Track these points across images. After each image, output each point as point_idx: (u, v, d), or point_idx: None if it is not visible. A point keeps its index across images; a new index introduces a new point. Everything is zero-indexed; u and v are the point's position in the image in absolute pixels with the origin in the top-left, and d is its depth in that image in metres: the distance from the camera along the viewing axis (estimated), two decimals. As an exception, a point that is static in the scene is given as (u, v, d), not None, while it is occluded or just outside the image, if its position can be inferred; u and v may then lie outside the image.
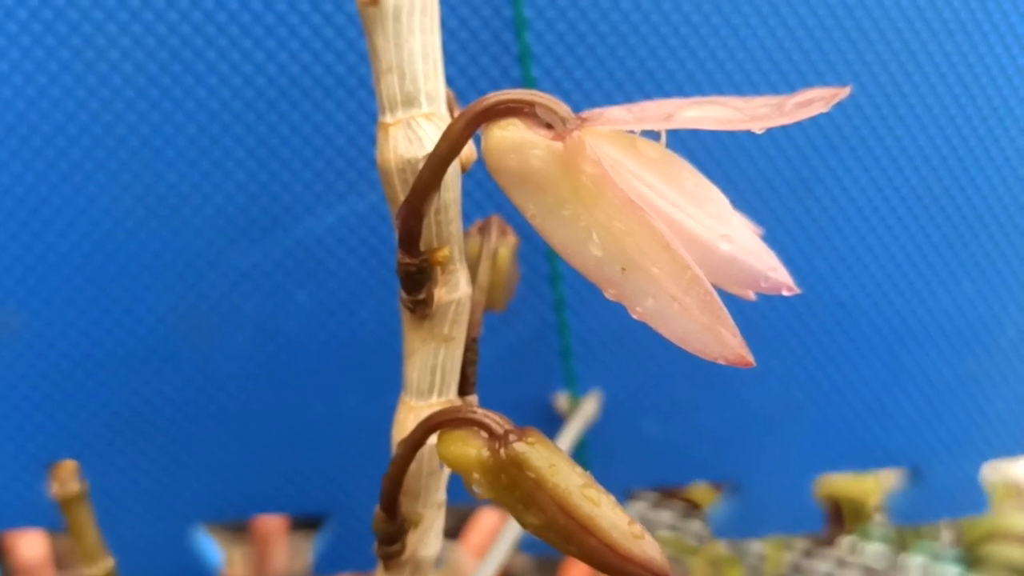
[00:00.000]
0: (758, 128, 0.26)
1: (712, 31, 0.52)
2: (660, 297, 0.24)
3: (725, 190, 0.57)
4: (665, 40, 0.52)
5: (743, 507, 0.66)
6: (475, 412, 0.26)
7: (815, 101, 0.26)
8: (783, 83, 0.55)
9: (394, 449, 0.28)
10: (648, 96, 0.52)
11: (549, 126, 0.26)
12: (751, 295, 0.27)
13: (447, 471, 0.30)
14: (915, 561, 1.01)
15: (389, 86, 0.28)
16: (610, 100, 0.53)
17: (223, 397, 0.56)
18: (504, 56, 0.51)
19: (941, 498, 0.68)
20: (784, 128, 0.56)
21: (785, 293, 0.26)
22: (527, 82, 0.51)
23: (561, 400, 0.59)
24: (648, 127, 0.26)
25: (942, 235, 0.60)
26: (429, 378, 0.29)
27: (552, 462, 0.25)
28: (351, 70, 0.50)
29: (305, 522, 0.83)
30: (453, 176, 0.29)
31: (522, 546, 0.66)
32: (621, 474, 0.63)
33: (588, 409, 0.58)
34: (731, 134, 0.55)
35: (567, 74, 0.52)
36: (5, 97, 0.48)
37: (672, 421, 0.62)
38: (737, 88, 0.53)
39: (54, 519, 0.54)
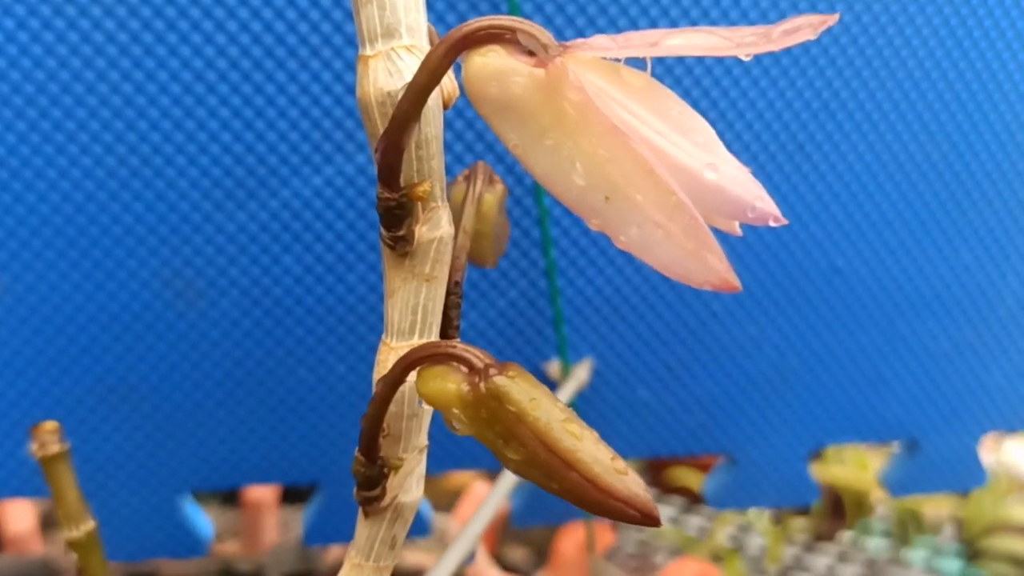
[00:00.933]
0: (744, 54, 0.25)
1: (705, -11, 0.51)
2: (644, 225, 0.24)
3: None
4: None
5: (738, 479, 0.65)
6: (455, 346, 0.25)
7: (802, 28, 0.25)
8: (782, 53, 0.54)
9: (374, 389, 0.28)
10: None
11: (531, 53, 0.25)
12: (737, 228, 0.26)
13: (429, 414, 0.30)
14: (917, 555, 1.00)
15: (369, 18, 0.27)
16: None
17: (209, 364, 0.55)
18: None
19: (940, 470, 0.67)
20: (778, 87, 0.55)
21: (772, 224, 0.25)
22: (513, 12, 0.50)
23: (553, 367, 0.58)
24: (632, 54, 0.25)
25: (940, 202, 0.59)
26: (410, 318, 0.29)
27: (533, 396, 0.25)
28: (337, 28, 0.50)
29: (296, 494, 0.82)
30: (435, 110, 0.28)
31: (513, 523, 0.65)
32: (614, 443, 0.62)
33: (579, 376, 0.57)
34: (726, 94, 0.55)
35: (557, 8, 0.51)
36: (-14, 55, 0.47)
37: (666, 389, 0.61)
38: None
39: (40, 486, 0.53)
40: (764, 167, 0.56)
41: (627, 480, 0.24)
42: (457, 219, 0.32)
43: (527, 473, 0.25)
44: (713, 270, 0.23)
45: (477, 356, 0.25)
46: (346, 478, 0.62)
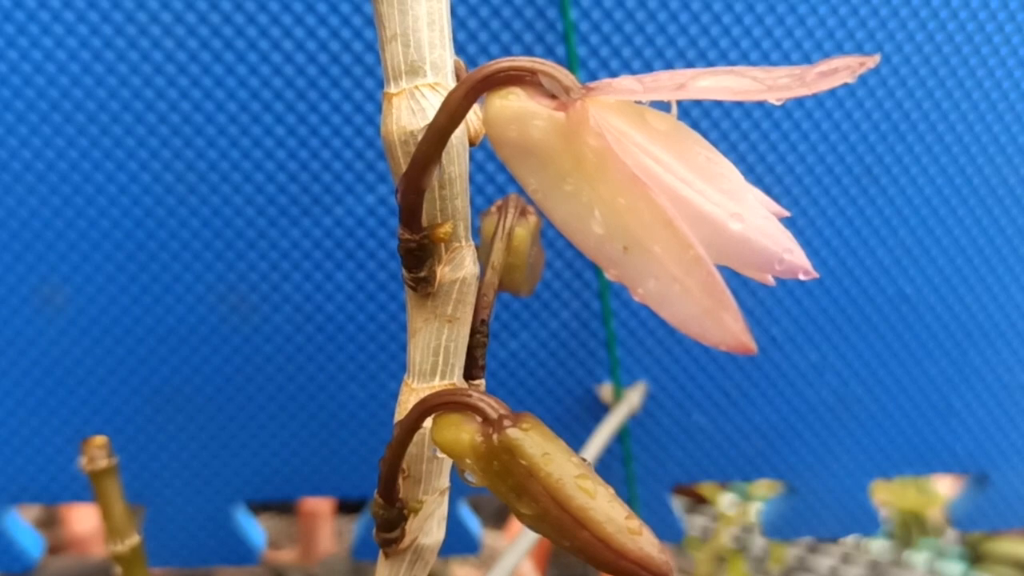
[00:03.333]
0: (775, 99, 0.24)
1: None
2: (662, 278, 0.23)
3: (785, 179, 0.55)
4: (718, 16, 0.50)
5: (797, 508, 0.63)
6: (470, 395, 0.25)
7: (840, 71, 0.24)
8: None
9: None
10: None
11: (553, 96, 0.24)
12: (769, 279, 0.25)
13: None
14: (919, 557, 0.98)
15: (393, 55, 0.27)
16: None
17: (262, 377, 0.56)
18: (548, 33, 0.50)
19: (1012, 505, 0.64)
20: (847, 114, 0.53)
21: (802, 277, 0.24)
22: (571, 59, 0.50)
23: (605, 390, 0.57)
24: (658, 97, 0.24)
25: (1018, 228, 0.57)
26: (432, 359, 0.28)
27: (546, 450, 0.24)
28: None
29: (353, 504, 0.83)
30: (459, 149, 0.27)
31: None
32: (668, 468, 0.61)
33: (632, 400, 0.56)
34: (794, 123, 0.53)
35: (613, 51, 0.50)
36: (50, 74, 0.48)
37: (722, 415, 0.60)
38: (788, 61, 0.51)
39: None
40: (829, 190, 0.54)
41: (640, 540, 0.23)
42: (487, 254, 0.32)
43: (539, 529, 0.24)
44: (729, 330, 0.22)
45: (492, 406, 0.25)
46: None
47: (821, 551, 1.00)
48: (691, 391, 0.59)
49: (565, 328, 0.56)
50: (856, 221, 0.55)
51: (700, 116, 0.52)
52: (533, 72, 0.24)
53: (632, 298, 0.50)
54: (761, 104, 0.53)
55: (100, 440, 0.42)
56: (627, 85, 0.25)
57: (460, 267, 0.28)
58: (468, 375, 0.30)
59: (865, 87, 0.52)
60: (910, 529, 1.00)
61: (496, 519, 0.82)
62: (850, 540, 1.02)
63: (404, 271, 0.27)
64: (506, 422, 0.24)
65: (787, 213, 0.28)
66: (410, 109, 0.26)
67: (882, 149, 0.54)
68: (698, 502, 1.06)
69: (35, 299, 0.53)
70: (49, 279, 0.53)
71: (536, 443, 0.24)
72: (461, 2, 0.49)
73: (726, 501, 1.05)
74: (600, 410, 0.57)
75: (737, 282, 0.56)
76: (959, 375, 0.60)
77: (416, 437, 0.28)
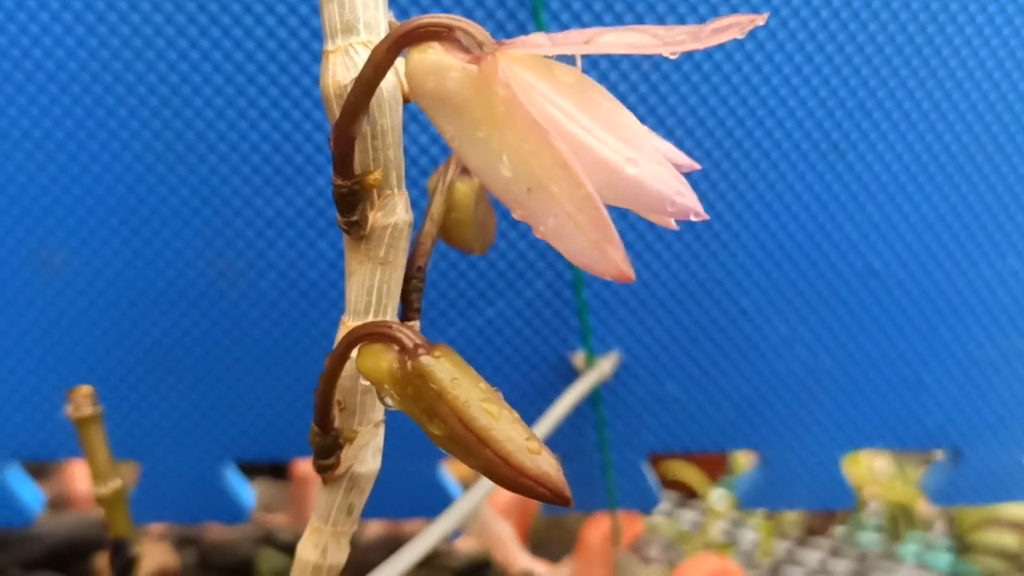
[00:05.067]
0: (670, 52, 0.26)
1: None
2: (559, 215, 0.25)
3: (753, 154, 0.57)
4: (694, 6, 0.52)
5: (770, 479, 0.65)
6: (390, 326, 0.27)
7: (730, 27, 0.26)
8: (811, 42, 0.54)
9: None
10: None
11: (469, 51, 0.26)
12: (669, 222, 0.27)
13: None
14: (908, 549, 0.99)
15: (330, 14, 0.29)
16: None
17: (249, 341, 0.58)
18: (519, 9, 0.52)
19: (985, 482, 0.66)
20: (813, 90, 0.55)
21: (692, 218, 0.25)
22: (536, 11, 0.51)
23: (579, 358, 0.59)
24: (564, 51, 0.26)
25: (985, 204, 0.58)
26: (365, 299, 0.30)
27: (455, 375, 0.26)
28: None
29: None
30: (391, 103, 0.29)
31: (543, 511, 0.66)
32: (643, 437, 0.63)
33: (603, 368, 0.58)
34: (760, 99, 0.55)
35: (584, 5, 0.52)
36: (46, 47, 0.51)
37: (695, 385, 0.61)
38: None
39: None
40: (796, 166, 0.56)
41: (539, 460, 0.25)
42: (429, 207, 0.34)
43: (449, 448, 0.26)
44: (612, 261, 0.24)
45: (408, 336, 0.27)
46: (385, 456, 0.65)
47: (810, 544, 1.01)
48: (664, 361, 0.61)
49: (540, 297, 0.58)
50: (823, 196, 0.57)
51: (668, 91, 0.54)
52: (450, 28, 0.26)
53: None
54: (728, 79, 0.54)
55: (85, 389, 0.45)
56: (537, 40, 0.27)
57: (392, 213, 0.30)
58: (404, 317, 0.32)
59: (831, 64, 0.54)
60: (898, 522, 1.02)
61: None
62: (839, 533, 1.03)
63: (338, 215, 0.29)
64: (420, 350, 0.26)
65: (695, 165, 0.30)
66: (344, 65, 0.29)
67: (848, 125, 0.55)
68: (688, 496, 1.08)
69: (33, 261, 0.56)
70: (47, 243, 0.55)
71: (446, 369, 0.26)
72: (436, -21, 0.51)
73: (716, 495, 1.07)
74: (574, 377, 0.59)
75: (707, 255, 0.58)
76: (929, 350, 0.61)
77: (350, 371, 0.30)
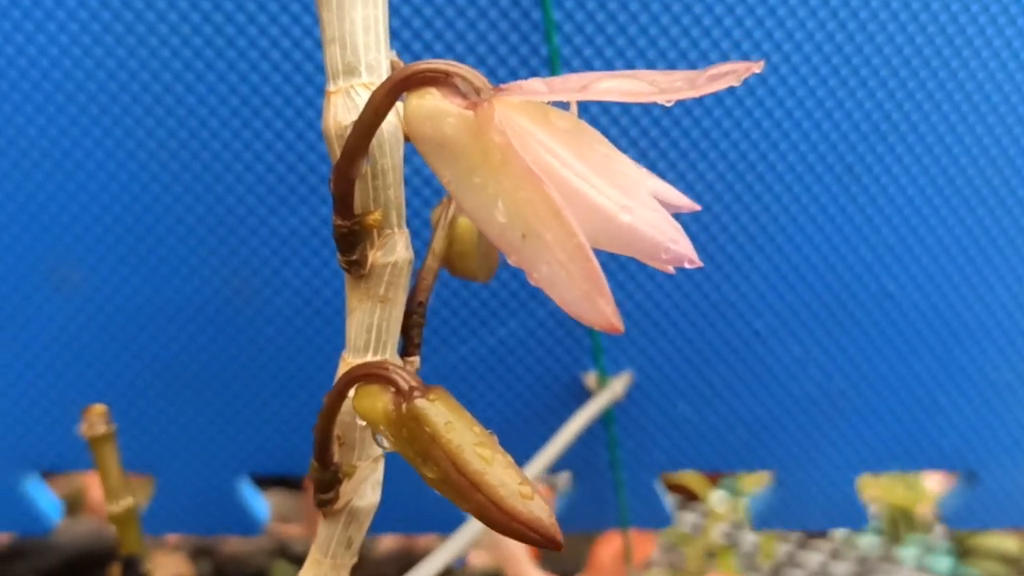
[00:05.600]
0: (665, 100, 0.26)
1: None
2: (552, 264, 0.25)
3: (767, 177, 0.56)
4: (689, 7, 0.52)
5: (784, 499, 0.65)
6: (387, 368, 0.27)
7: (727, 74, 0.26)
8: (825, 65, 0.53)
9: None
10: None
11: (466, 96, 0.26)
12: (667, 267, 0.27)
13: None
14: (908, 553, 0.98)
15: (332, 56, 0.29)
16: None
17: (264, 357, 0.59)
18: (533, 34, 0.52)
19: (1002, 504, 0.65)
20: (828, 113, 0.54)
21: (687, 265, 0.25)
22: (552, 58, 0.52)
23: (591, 379, 0.59)
24: (560, 98, 0.26)
25: (1001, 226, 0.57)
26: (365, 336, 0.31)
27: (449, 419, 0.26)
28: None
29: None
30: (392, 143, 0.30)
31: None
32: (655, 456, 0.63)
33: (615, 388, 0.58)
34: (775, 122, 0.55)
35: (596, 52, 0.52)
36: (65, 68, 0.52)
37: (708, 405, 0.61)
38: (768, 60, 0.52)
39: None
40: (810, 188, 0.56)
41: (531, 504, 0.26)
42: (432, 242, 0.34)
43: (442, 491, 0.27)
44: (601, 313, 0.24)
45: (404, 379, 0.27)
46: (391, 470, 0.65)
47: (810, 547, 1.01)
48: (676, 381, 0.60)
49: (552, 317, 0.58)
50: (838, 219, 0.56)
51: (681, 114, 0.54)
52: (448, 74, 0.26)
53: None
54: (741, 102, 0.54)
55: (99, 408, 0.46)
56: (534, 87, 0.27)
57: (392, 252, 0.30)
58: (404, 352, 0.33)
59: (845, 87, 0.54)
60: (899, 525, 1.01)
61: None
62: (839, 535, 1.02)
63: (338, 254, 0.30)
64: (416, 393, 0.26)
65: (695, 206, 0.30)
66: (345, 106, 0.29)
67: (863, 148, 0.55)
68: (689, 499, 1.07)
69: (53, 279, 0.56)
70: (65, 261, 0.56)
71: (440, 413, 0.26)
72: (449, 2, 0.51)
73: (716, 498, 1.06)
74: (586, 397, 0.59)
75: (721, 277, 0.58)
76: (944, 372, 0.61)
77: (349, 407, 0.30)
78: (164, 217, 0.55)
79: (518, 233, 0.26)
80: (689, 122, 0.54)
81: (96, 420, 0.46)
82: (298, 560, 0.71)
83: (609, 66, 0.52)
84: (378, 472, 0.32)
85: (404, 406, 0.26)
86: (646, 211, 0.26)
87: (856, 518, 0.65)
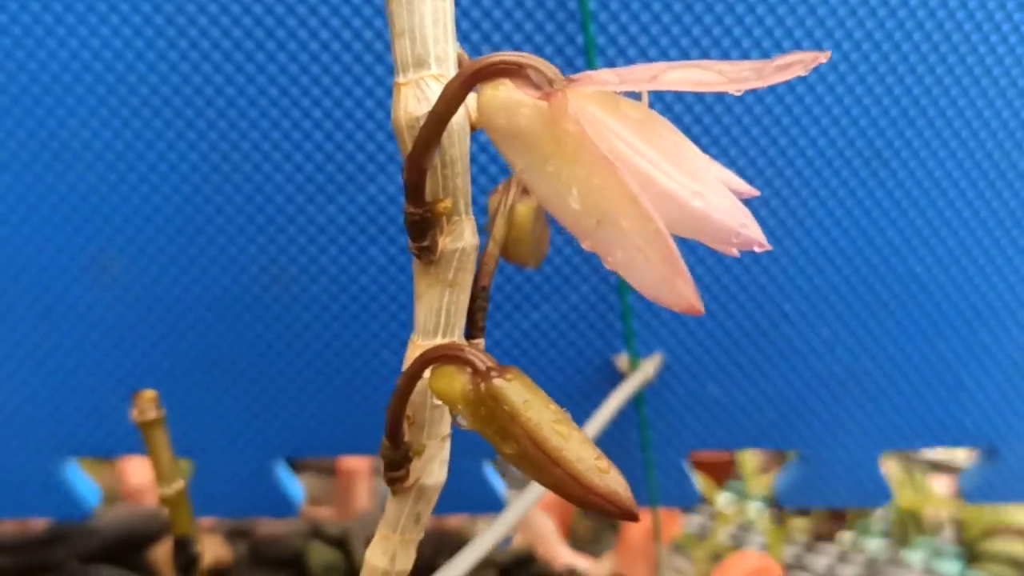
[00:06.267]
0: (735, 90, 0.27)
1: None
2: (628, 249, 0.26)
3: (797, 162, 0.57)
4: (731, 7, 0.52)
5: (809, 477, 0.66)
6: (463, 349, 0.28)
7: (794, 64, 0.27)
8: (856, 51, 0.54)
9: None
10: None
11: (539, 87, 0.27)
12: (732, 251, 0.28)
13: (452, 406, 0.33)
14: (916, 556, 0.99)
15: (402, 49, 0.30)
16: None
17: (301, 344, 0.60)
18: (569, 23, 0.53)
19: (1021, 478, 0.66)
20: (855, 96, 0.55)
21: (757, 249, 0.26)
22: (588, 47, 0.52)
23: (622, 360, 0.61)
24: (631, 88, 0.27)
25: (1025, 209, 0.58)
26: (435, 320, 0.31)
27: (526, 398, 0.27)
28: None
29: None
30: (459, 134, 0.31)
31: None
32: (684, 437, 0.64)
33: (646, 370, 0.59)
34: (805, 107, 0.55)
35: (631, 40, 0.53)
36: (106, 61, 0.53)
37: (736, 387, 0.62)
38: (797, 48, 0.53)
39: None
40: (840, 172, 0.57)
41: (608, 478, 0.27)
42: (491, 228, 0.35)
43: (520, 465, 0.28)
44: (681, 295, 0.25)
45: (480, 359, 0.28)
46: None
47: (818, 549, 1.02)
48: (705, 363, 0.62)
49: (585, 301, 0.59)
50: (866, 202, 0.57)
51: (713, 100, 0.55)
52: (521, 66, 0.27)
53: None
54: (773, 89, 0.55)
55: (150, 394, 0.47)
56: (604, 77, 0.28)
57: (460, 238, 0.31)
58: (469, 335, 0.34)
59: (875, 72, 0.54)
60: (907, 528, 1.02)
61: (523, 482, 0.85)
62: (847, 538, 1.03)
63: (410, 241, 0.31)
64: (493, 373, 0.27)
65: (755, 192, 0.31)
66: (416, 97, 0.30)
67: (892, 132, 0.56)
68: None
69: (94, 268, 0.57)
70: (107, 250, 0.57)
71: (518, 391, 0.27)
72: (486, -8, 0.52)
73: (723, 500, 1.07)
74: (618, 379, 0.60)
75: (750, 260, 0.59)
76: (969, 352, 0.62)
77: (420, 387, 0.31)
78: (203, 206, 0.56)
79: (592, 220, 0.27)
80: (721, 108, 0.55)
81: (147, 405, 0.47)
82: (331, 542, 0.72)
83: (643, 55, 0.53)
84: (445, 451, 0.33)
85: (482, 385, 0.27)
86: (716, 197, 0.27)
87: (878, 495, 0.66)
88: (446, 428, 0.33)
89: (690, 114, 0.55)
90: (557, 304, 0.59)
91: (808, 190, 0.57)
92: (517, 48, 0.53)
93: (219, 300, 0.59)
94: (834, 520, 1.04)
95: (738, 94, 0.28)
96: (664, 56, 0.53)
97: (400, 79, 0.30)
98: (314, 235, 0.57)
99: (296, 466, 0.69)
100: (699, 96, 0.55)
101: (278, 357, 0.61)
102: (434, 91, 0.30)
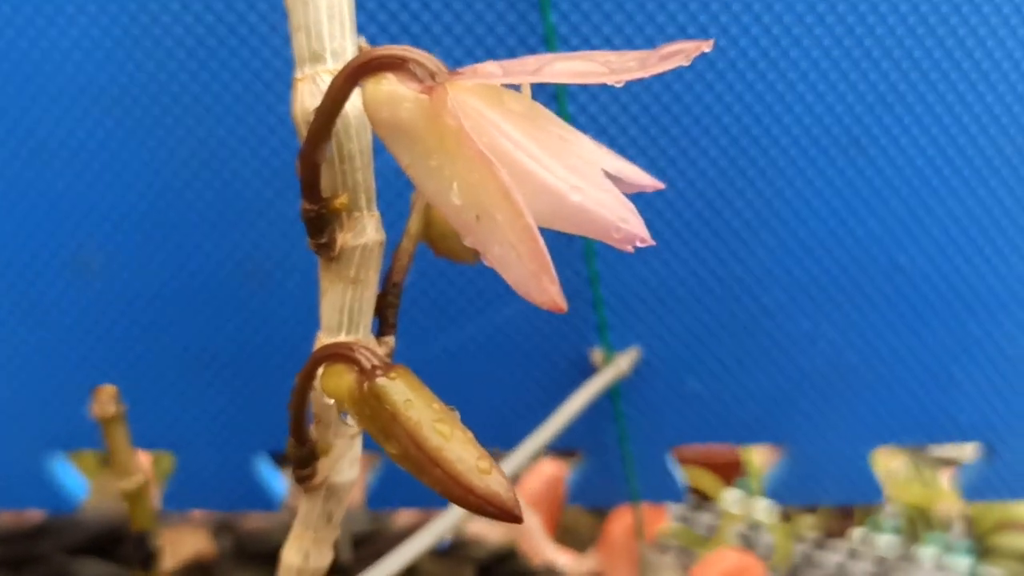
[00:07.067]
0: (615, 81, 0.26)
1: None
2: (503, 244, 0.25)
3: (771, 149, 0.56)
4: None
5: (799, 474, 0.65)
6: (351, 348, 0.28)
7: (676, 54, 0.26)
8: (829, 35, 0.53)
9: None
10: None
11: (422, 81, 0.27)
12: (626, 247, 0.27)
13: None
14: (927, 552, 0.97)
15: (299, 43, 0.30)
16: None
17: (278, 338, 0.60)
18: (530, 12, 0.52)
19: (1020, 475, 0.64)
20: (830, 81, 0.54)
21: (639, 244, 0.26)
22: (548, 33, 0.52)
23: (597, 355, 0.60)
24: (514, 80, 0.27)
25: (1015, 196, 0.57)
26: (338, 317, 0.31)
27: (408, 397, 0.27)
28: (383, 28, 0.53)
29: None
30: (358, 128, 0.30)
31: (569, 500, 0.67)
32: (664, 432, 0.63)
33: (620, 364, 0.58)
34: (779, 95, 0.54)
35: (589, 23, 0.52)
36: (76, 61, 0.53)
37: (717, 380, 0.61)
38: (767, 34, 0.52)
39: (146, 439, 0.61)
40: (816, 161, 0.55)
41: (488, 479, 0.26)
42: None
43: (403, 465, 0.27)
44: (547, 293, 0.24)
45: (367, 358, 0.28)
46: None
47: (828, 547, 1.00)
48: (684, 357, 0.61)
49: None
50: (845, 191, 0.56)
51: (683, 90, 0.54)
52: (404, 59, 0.27)
53: (608, 269, 0.52)
54: (744, 75, 0.54)
55: (109, 389, 0.47)
56: (489, 70, 0.27)
57: (361, 234, 0.31)
58: (380, 333, 0.33)
59: (849, 57, 0.53)
60: (917, 524, 1.00)
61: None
62: (857, 535, 1.01)
63: (308, 237, 0.30)
64: (377, 372, 0.27)
65: (659, 184, 0.30)
66: (311, 92, 0.30)
67: (869, 119, 0.54)
68: (703, 499, 1.07)
69: (74, 264, 0.58)
70: (85, 247, 0.58)
71: (400, 391, 0.27)
72: (446, -17, 0.51)
73: (731, 498, 1.06)
74: (593, 374, 0.59)
75: (727, 251, 0.58)
76: (958, 345, 0.60)
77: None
78: (177, 203, 0.57)
79: (472, 215, 0.26)
80: (691, 97, 0.54)
81: (106, 400, 0.47)
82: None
83: (608, 42, 0.52)
84: (355, 449, 0.33)
85: (366, 384, 0.27)
86: (597, 191, 0.26)
87: (870, 492, 0.65)
88: (355, 427, 0.33)
89: (658, 103, 0.54)
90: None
91: (784, 179, 0.56)
92: (480, 40, 0.53)
93: (198, 296, 0.59)
94: (844, 517, 1.02)
95: (619, 85, 0.28)
96: (629, 42, 0.52)
97: (297, 74, 0.30)
98: (286, 229, 0.57)
99: (281, 460, 0.69)
100: (668, 83, 0.54)
101: (257, 351, 0.61)
102: (329, 86, 0.29)
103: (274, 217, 0.57)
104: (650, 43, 0.52)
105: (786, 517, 1.01)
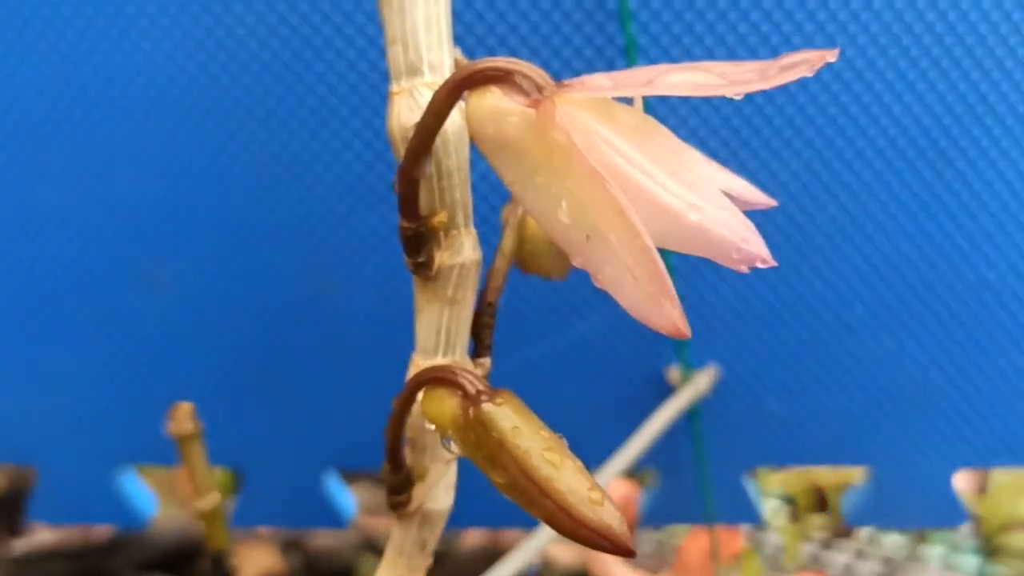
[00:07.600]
0: (734, 93, 0.25)
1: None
2: (616, 266, 0.24)
3: (855, 163, 0.54)
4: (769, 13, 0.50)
5: (878, 497, 0.62)
6: (454, 372, 0.27)
7: (799, 65, 0.25)
8: (916, 46, 0.51)
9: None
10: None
11: (529, 94, 0.26)
12: (741, 267, 0.26)
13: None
14: (934, 552, 0.93)
15: (395, 56, 0.29)
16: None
17: (347, 354, 0.59)
18: (608, 22, 0.51)
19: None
20: (919, 96, 0.52)
21: (760, 265, 0.25)
22: (628, 44, 0.51)
23: (673, 373, 0.58)
24: (626, 93, 0.25)
25: (1111, 211, 0.54)
26: (434, 338, 0.30)
27: (516, 424, 0.26)
28: (457, 40, 0.52)
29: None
30: (456, 144, 0.29)
31: (643, 522, 0.66)
32: (742, 452, 0.61)
33: (699, 383, 0.57)
34: (864, 107, 0.52)
35: (669, 35, 0.51)
36: (150, 75, 0.53)
37: (796, 401, 0.60)
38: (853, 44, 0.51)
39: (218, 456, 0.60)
40: (902, 174, 0.53)
41: (601, 511, 0.25)
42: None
43: (511, 495, 0.26)
44: (668, 316, 0.23)
45: (471, 382, 0.27)
46: (469, 463, 0.65)
47: (835, 547, 0.97)
48: (764, 376, 0.59)
49: (633, 311, 0.57)
50: (932, 206, 0.54)
51: (765, 102, 0.53)
52: (509, 72, 0.26)
53: (687, 287, 0.50)
54: (828, 86, 0.52)
55: (186, 406, 0.47)
56: (598, 82, 0.26)
57: (459, 253, 0.30)
58: (475, 354, 0.32)
59: (937, 68, 0.51)
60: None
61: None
62: (863, 535, 0.98)
63: (405, 256, 0.30)
64: (483, 397, 0.26)
65: (771, 202, 0.29)
66: (408, 106, 0.29)
67: (957, 131, 0.52)
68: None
69: (144, 279, 0.58)
70: (156, 261, 0.58)
71: (507, 417, 0.26)
72: (524, -5, 0.51)
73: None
74: (668, 392, 0.58)
75: (809, 268, 0.56)
76: (1049, 364, 0.58)
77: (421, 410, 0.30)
78: (248, 218, 0.56)
79: (582, 234, 0.25)
80: (772, 109, 0.53)
81: (183, 418, 0.47)
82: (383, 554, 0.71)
83: (688, 54, 0.51)
84: (451, 475, 0.32)
85: (471, 411, 0.26)
86: (715, 209, 0.25)
87: (954, 515, 0.63)
88: (453, 452, 0.32)
89: (740, 116, 0.53)
90: (605, 314, 0.57)
91: (869, 193, 0.54)
92: (556, 52, 0.52)
93: (268, 311, 0.59)
94: None
95: (739, 98, 0.27)
96: (710, 55, 0.51)
97: (394, 88, 0.29)
98: (357, 245, 0.57)
99: (350, 477, 0.69)
100: (751, 98, 0.52)
101: (327, 367, 0.60)
102: (428, 100, 0.29)
103: (345, 233, 0.56)
104: (732, 54, 0.51)
105: (794, 518, 0.99)
